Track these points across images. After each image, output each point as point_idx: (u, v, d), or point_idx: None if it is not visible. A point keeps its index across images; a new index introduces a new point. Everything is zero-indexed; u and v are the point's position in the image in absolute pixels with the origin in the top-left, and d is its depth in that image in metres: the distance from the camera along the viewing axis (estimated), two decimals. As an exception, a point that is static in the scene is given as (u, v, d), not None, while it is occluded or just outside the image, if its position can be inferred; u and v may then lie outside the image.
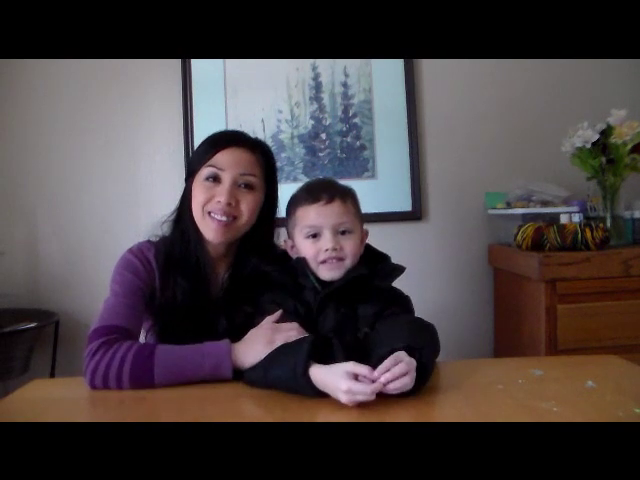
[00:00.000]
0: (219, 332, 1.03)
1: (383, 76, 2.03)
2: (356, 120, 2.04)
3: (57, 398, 0.94)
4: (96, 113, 2.02)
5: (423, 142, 2.04)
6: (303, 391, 0.85)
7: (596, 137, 1.66)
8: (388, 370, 0.80)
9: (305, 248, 1.02)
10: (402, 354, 0.83)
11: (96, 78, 2.02)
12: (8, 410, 0.88)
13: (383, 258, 1.07)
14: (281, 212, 1.15)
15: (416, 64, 2.03)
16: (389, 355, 0.82)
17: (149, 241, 1.14)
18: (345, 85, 2.04)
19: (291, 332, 0.94)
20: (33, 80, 2.02)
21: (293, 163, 2.04)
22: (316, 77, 2.04)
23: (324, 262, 1.00)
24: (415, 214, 2.03)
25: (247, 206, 1.08)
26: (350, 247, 1.01)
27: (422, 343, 0.88)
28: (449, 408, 0.84)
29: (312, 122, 2.04)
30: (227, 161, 1.07)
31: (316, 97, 2.04)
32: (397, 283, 1.05)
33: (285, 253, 1.09)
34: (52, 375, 1.90)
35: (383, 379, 0.79)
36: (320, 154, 2.04)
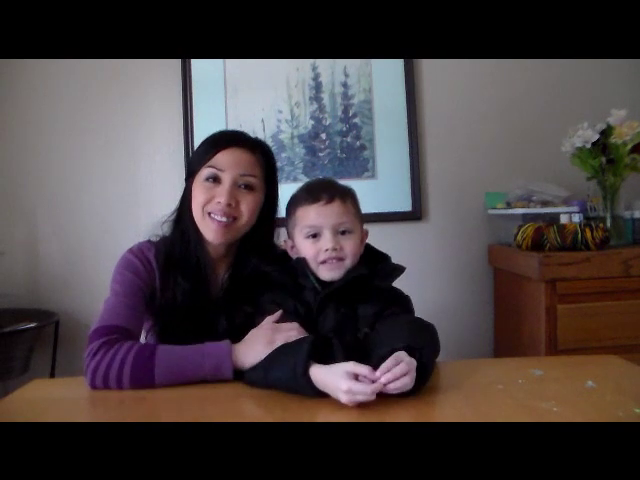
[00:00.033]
0: (219, 332, 1.03)
1: (383, 76, 2.03)
2: (356, 120, 2.04)
3: (57, 398, 0.94)
4: (96, 113, 2.02)
5: (423, 142, 2.04)
6: (303, 391, 0.84)
7: (596, 137, 1.66)
8: (389, 370, 0.80)
9: (305, 248, 1.02)
10: (403, 354, 0.83)
11: (96, 78, 2.01)
12: (8, 410, 0.88)
13: (383, 258, 1.07)
14: (281, 212, 1.15)
15: (416, 64, 2.03)
16: (390, 355, 0.82)
17: (149, 241, 1.14)
18: (345, 85, 2.04)
19: (291, 332, 0.94)
20: (33, 80, 2.02)
21: (293, 163, 2.04)
22: (316, 77, 2.04)
23: (324, 262, 1.00)
24: (415, 214, 2.03)
25: (247, 207, 1.08)
26: (350, 247, 1.01)
27: (422, 343, 0.88)
28: (449, 408, 0.84)
29: (312, 122, 2.04)
30: (227, 162, 1.07)
31: (316, 97, 2.04)
32: (397, 283, 1.05)
33: (285, 253, 1.09)
34: (52, 375, 1.90)
35: (384, 379, 0.79)
36: (320, 154, 2.04)
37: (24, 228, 2.03)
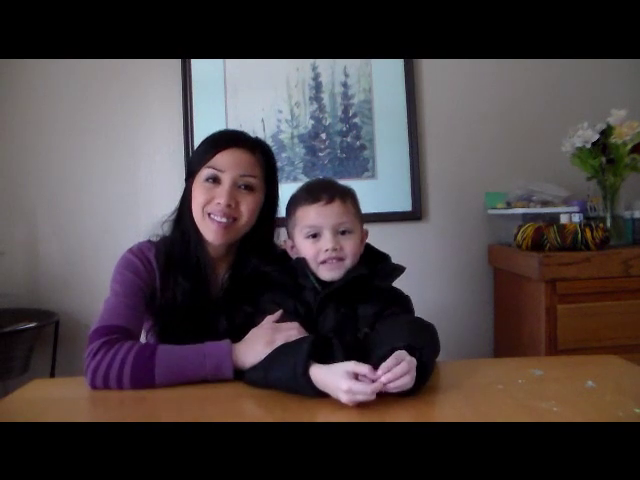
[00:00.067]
0: (219, 332, 1.03)
1: (383, 76, 2.03)
2: (356, 120, 2.04)
3: (57, 398, 0.94)
4: (96, 113, 2.02)
5: (423, 142, 2.05)
6: (303, 391, 0.84)
7: (596, 137, 1.67)
8: (389, 369, 0.80)
9: (305, 248, 1.02)
10: (403, 353, 0.83)
11: (96, 78, 2.02)
12: (8, 410, 0.88)
13: (383, 258, 1.07)
14: (281, 212, 1.15)
15: (416, 64, 2.04)
16: (390, 355, 0.82)
17: (149, 241, 1.14)
18: (345, 85, 2.04)
19: (291, 332, 0.94)
20: (33, 80, 2.02)
21: (293, 163, 2.04)
22: (316, 77, 2.04)
23: (324, 262, 1.00)
24: (415, 214, 2.03)
25: (247, 207, 1.08)
26: (350, 247, 1.01)
27: (422, 343, 0.88)
28: (449, 408, 0.84)
29: (312, 122, 2.04)
30: (227, 162, 1.07)
31: (316, 97, 2.04)
32: (397, 283, 1.05)
33: (285, 253, 1.09)
34: (52, 375, 1.90)
35: (384, 379, 0.79)
36: (320, 154, 2.04)
37: (24, 228, 2.03)
